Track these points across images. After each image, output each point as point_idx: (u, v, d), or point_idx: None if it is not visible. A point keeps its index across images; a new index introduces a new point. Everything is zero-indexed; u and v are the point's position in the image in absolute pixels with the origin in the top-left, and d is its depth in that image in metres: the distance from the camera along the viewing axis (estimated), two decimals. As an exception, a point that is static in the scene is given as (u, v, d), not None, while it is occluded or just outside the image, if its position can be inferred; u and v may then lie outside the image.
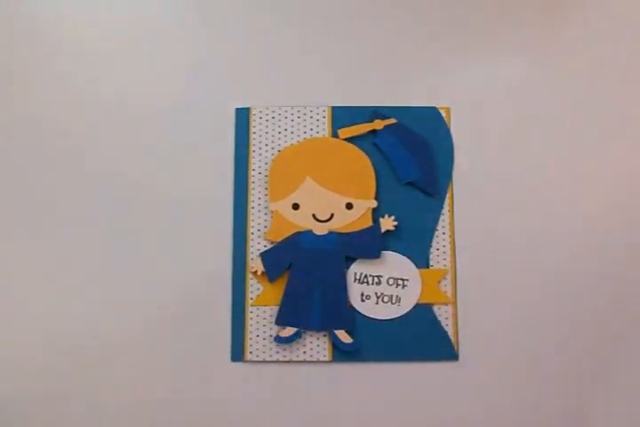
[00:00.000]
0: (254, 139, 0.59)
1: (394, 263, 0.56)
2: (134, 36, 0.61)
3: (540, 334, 0.56)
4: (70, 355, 0.55)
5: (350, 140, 0.58)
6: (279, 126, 0.59)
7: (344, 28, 0.61)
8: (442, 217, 0.57)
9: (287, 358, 0.55)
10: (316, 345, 0.55)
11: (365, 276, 0.56)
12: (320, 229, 0.56)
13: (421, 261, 0.57)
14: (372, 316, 0.55)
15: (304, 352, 0.55)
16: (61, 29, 0.62)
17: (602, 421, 0.55)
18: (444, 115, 0.59)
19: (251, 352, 0.55)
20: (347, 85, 0.60)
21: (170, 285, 0.56)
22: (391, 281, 0.56)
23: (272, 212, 0.57)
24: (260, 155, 0.58)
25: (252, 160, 0.58)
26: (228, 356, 0.55)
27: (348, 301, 0.55)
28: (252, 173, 0.58)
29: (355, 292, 0.56)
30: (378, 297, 0.56)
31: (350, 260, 0.56)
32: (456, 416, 0.55)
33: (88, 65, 0.61)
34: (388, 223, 0.56)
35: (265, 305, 0.56)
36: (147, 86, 0.60)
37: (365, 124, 0.58)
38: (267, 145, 0.59)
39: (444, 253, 0.57)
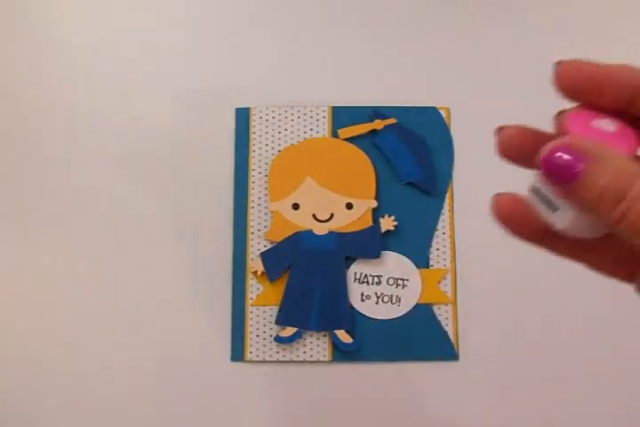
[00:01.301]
0: (254, 139, 0.59)
1: (394, 263, 0.56)
2: (134, 35, 0.61)
3: (541, 334, 0.56)
4: (69, 353, 0.55)
5: (350, 140, 0.58)
6: (279, 126, 0.59)
7: (344, 28, 0.61)
8: (442, 217, 0.57)
9: (287, 358, 0.55)
10: (316, 345, 0.55)
11: (365, 276, 0.56)
12: (320, 229, 0.56)
13: (421, 261, 0.57)
14: (372, 316, 0.55)
15: (304, 352, 0.55)
16: (62, 29, 0.62)
17: (603, 419, 0.55)
18: (444, 115, 0.59)
19: (251, 352, 0.55)
20: (347, 85, 0.60)
21: (170, 284, 0.56)
22: (391, 281, 0.56)
23: (272, 212, 0.57)
24: (260, 155, 0.58)
25: (251, 160, 0.58)
26: (228, 356, 0.55)
27: (348, 301, 0.55)
28: (251, 173, 0.58)
29: (355, 292, 0.56)
30: (378, 297, 0.56)
31: (350, 260, 0.56)
32: (456, 416, 0.55)
33: (88, 65, 0.61)
34: (388, 223, 0.56)
35: (265, 305, 0.56)
36: (147, 86, 0.60)
37: (365, 124, 0.58)
38: (267, 145, 0.59)
39: (444, 253, 0.57)
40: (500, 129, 0.23)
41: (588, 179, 0.19)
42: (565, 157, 0.20)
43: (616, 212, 0.19)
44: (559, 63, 0.22)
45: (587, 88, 0.22)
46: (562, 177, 0.20)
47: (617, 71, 0.21)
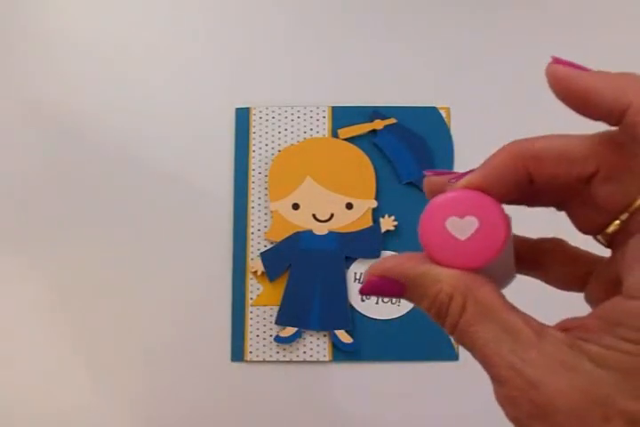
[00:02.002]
0: (254, 139, 0.59)
1: (394, 263, 0.56)
2: (135, 36, 0.61)
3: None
4: (67, 353, 0.55)
5: (350, 140, 0.58)
6: (279, 126, 0.59)
7: (344, 28, 0.61)
8: (442, 217, 0.57)
9: (287, 358, 0.55)
10: (316, 345, 0.55)
11: (365, 276, 0.56)
12: (320, 229, 0.56)
13: (421, 261, 0.56)
14: (372, 316, 0.55)
15: (304, 352, 0.55)
16: (65, 29, 0.62)
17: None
18: (444, 115, 0.59)
19: (251, 352, 0.55)
20: (347, 85, 0.60)
21: (170, 285, 0.56)
22: (391, 281, 0.56)
23: (272, 212, 0.57)
24: (260, 155, 0.58)
25: (251, 160, 0.58)
26: (228, 356, 0.55)
27: (348, 301, 0.55)
28: (252, 173, 0.58)
29: (355, 292, 0.56)
30: (378, 297, 0.56)
31: (350, 260, 0.56)
32: (456, 416, 0.55)
33: (89, 65, 0.61)
34: (388, 223, 0.56)
35: (265, 305, 0.56)
36: (147, 87, 0.60)
37: (365, 124, 0.58)
38: (267, 145, 0.59)
39: (444, 253, 0.57)
40: (427, 176, 0.22)
41: (411, 301, 0.20)
42: (384, 282, 0.20)
43: (447, 332, 0.19)
44: (550, 65, 0.20)
45: (573, 100, 0.19)
46: (388, 296, 0.20)
47: (603, 85, 0.18)
